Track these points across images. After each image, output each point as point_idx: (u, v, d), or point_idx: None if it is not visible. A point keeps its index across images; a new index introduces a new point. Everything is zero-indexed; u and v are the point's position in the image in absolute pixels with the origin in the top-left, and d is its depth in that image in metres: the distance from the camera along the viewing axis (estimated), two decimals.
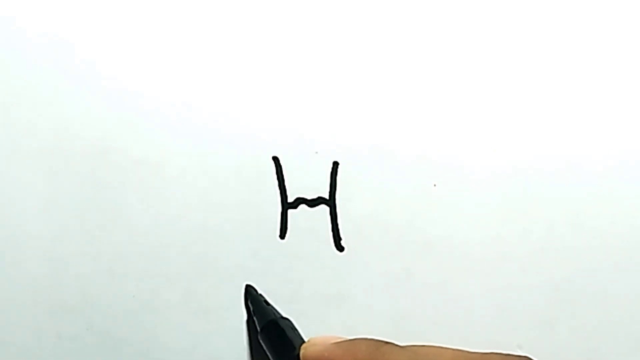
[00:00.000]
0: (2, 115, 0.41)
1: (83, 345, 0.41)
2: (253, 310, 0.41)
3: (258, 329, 0.40)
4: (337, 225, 0.42)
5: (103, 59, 0.41)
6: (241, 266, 0.42)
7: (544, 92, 0.43)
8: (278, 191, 0.42)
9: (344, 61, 0.42)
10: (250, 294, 0.41)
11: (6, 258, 0.41)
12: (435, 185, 0.43)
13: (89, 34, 0.41)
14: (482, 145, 0.43)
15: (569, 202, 0.43)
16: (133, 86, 0.41)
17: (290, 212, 0.42)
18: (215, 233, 0.41)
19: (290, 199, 0.42)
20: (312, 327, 0.40)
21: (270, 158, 0.42)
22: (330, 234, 0.42)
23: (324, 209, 0.42)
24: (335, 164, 0.42)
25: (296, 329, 0.39)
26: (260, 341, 0.39)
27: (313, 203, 0.42)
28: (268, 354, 0.39)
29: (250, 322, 0.41)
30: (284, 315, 0.40)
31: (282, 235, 0.42)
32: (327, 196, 0.42)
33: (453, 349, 0.34)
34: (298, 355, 0.37)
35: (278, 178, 0.42)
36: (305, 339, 0.38)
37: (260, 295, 0.41)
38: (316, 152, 0.42)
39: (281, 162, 0.42)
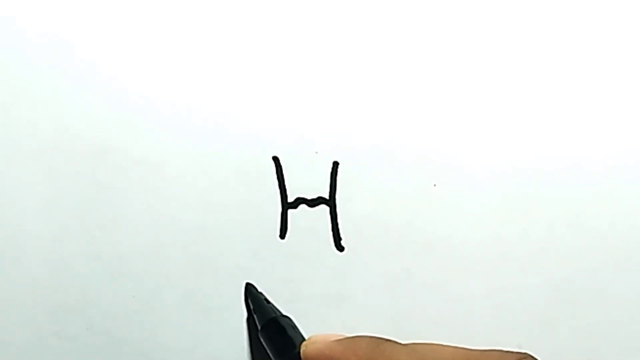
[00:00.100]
0: (2, 115, 0.41)
1: (83, 345, 0.41)
2: (253, 309, 0.41)
3: (258, 327, 0.40)
4: (337, 225, 0.42)
5: (103, 59, 0.41)
6: (241, 266, 0.42)
7: (544, 92, 0.43)
8: (278, 191, 0.42)
9: (344, 61, 0.42)
10: (251, 292, 0.41)
11: (6, 258, 0.41)
12: (435, 185, 0.43)
13: (89, 34, 0.41)
14: (482, 145, 0.43)
15: (569, 202, 0.43)
16: (133, 86, 0.41)
17: (290, 212, 0.42)
18: (215, 233, 0.41)
19: (290, 199, 0.42)
20: (312, 327, 0.40)
21: (270, 158, 0.42)
22: (330, 234, 0.42)
23: (324, 209, 0.42)
24: (335, 164, 0.42)
25: (296, 327, 0.39)
26: (261, 339, 0.39)
27: (313, 203, 0.42)
28: (268, 352, 0.39)
29: (250, 321, 0.41)
30: (284, 313, 0.40)
31: (282, 235, 0.42)
32: (327, 196, 0.42)
33: (453, 346, 0.34)
34: (298, 353, 0.37)
35: (278, 178, 0.42)
36: (306, 337, 0.38)
37: (261, 293, 0.41)
38: (316, 152, 0.42)
39: (281, 162, 0.42)
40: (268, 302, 0.41)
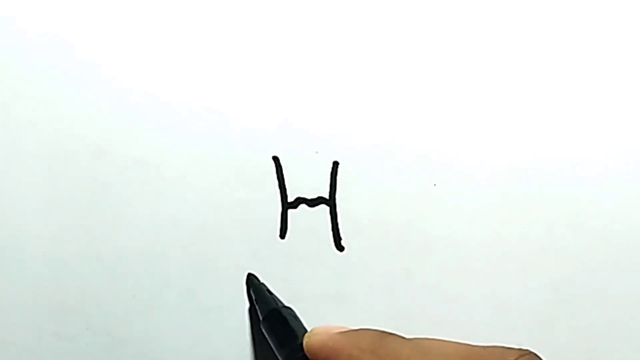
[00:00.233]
0: (2, 115, 0.41)
1: (83, 345, 0.41)
2: (255, 299, 0.41)
3: (260, 318, 0.40)
4: (337, 225, 0.42)
5: (103, 59, 0.41)
6: (241, 266, 0.42)
7: (543, 92, 0.43)
8: (278, 191, 0.42)
9: (344, 61, 0.42)
10: (253, 282, 0.41)
11: (6, 258, 0.41)
12: (435, 185, 0.43)
13: (89, 34, 0.41)
14: (482, 145, 0.43)
15: (569, 202, 0.43)
16: (133, 86, 0.41)
17: (290, 212, 0.42)
18: (215, 233, 0.41)
19: (290, 199, 0.42)
20: (312, 326, 0.40)
21: (270, 158, 0.42)
22: (330, 233, 0.42)
23: (324, 208, 0.42)
24: (335, 164, 0.42)
25: (298, 318, 0.39)
26: (263, 330, 0.39)
27: (313, 203, 0.42)
28: (270, 343, 0.39)
29: (252, 311, 0.41)
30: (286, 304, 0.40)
31: (282, 235, 0.42)
32: (327, 196, 0.42)
33: (456, 342, 0.34)
34: (301, 344, 0.37)
35: (278, 178, 0.42)
36: (308, 329, 0.38)
37: (263, 284, 0.41)
38: (316, 152, 0.42)
39: (281, 161, 0.42)
40: (270, 293, 0.41)
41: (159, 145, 0.41)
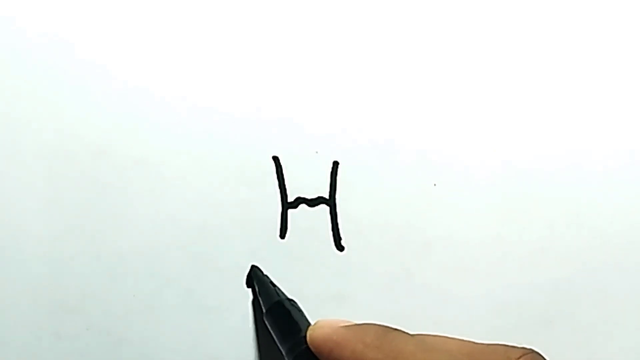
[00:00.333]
0: (2, 115, 0.41)
1: (83, 345, 0.41)
2: (258, 291, 0.41)
3: (263, 310, 0.40)
4: (337, 225, 0.42)
5: (103, 59, 0.41)
6: (241, 266, 0.42)
7: (543, 92, 0.43)
8: (278, 191, 0.42)
9: (344, 61, 0.42)
10: (256, 274, 0.41)
11: (6, 258, 0.41)
12: (435, 185, 0.43)
13: (89, 34, 0.41)
14: (482, 145, 0.43)
15: (569, 202, 0.43)
16: (133, 86, 0.41)
17: (290, 211, 0.42)
18: (215, 233, 0.41)
19: (290, 199, 0.42)
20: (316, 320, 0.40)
21: (270, 158, 0.42)
22: (330, 233, 0.42)
23: (324, 208, 0.42)
24: (336, 164, 0.42)
25: (302, 311, 0.39)
26: (266, 322, 0.39)
27: (313, 203, 0.42)
28: (273, 335, 0.39)
29: (255, 303, 0.41)
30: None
31: (282, 235, 0.42)
32: (327, 196, 0.42)
33: (459, 339, 0.34)
34: (304, 337, 0.37)
35: (278, 178, 0.42)
36: (312, 322, 0.38)
37: (266, 276, 0.41)
38: (316, 152, 0.42)
39: (281, 161, 0.42)
40: (273, 285, 0.41)
41: (159, 145, 0.41)
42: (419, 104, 0.42)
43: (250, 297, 0.42)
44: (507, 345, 0.34)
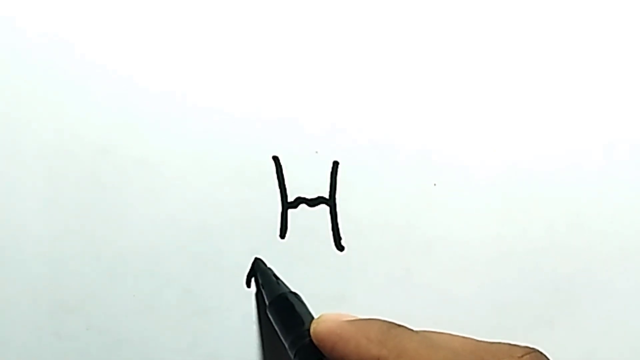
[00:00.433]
0: (2, 115, 0.41)
1: (83, 345, 0.41)
2: (262, 284, 0.41)
3: (266, 302, 0.40)
4: (337, 224, 0.42)
5: (103, 59, 0.41)
6: (241, 266, 0.42)
7: (543, 92, 0.43)
8: (278, 191, 0.42)
9: (344, 61, 0.42)
10: (259, 267, 0.41)
11: (6, 258, 0.41)
12: (435, 185, 0.43)
13: (89, 34, 0.41)
14: (482, 145, 0.43)
15: (569, 202, 0.43)
16: (133, 86, 0.41)
17: (290, 211, 0.42)
18: (215, 233, 0.41)
19: (290, 199, 0.42)
20: (319, 314, 0.39)
21: (270, 158, 0.42)
22: (330, 233, 0.42)
23: (324, 208, 0.42)
24: (336, 164, 0.42)
25: (305, 304, 0.39)
26: (269, 315, 0.39)
27: (313, 203, 0.42)
28: (276, 328, 0.39)
29: (259, 296, 0.41)
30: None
31: (282, 235, 0.42)
32: (327, 196, 0.42)
33: (462, 336, 0.34)
34: (307, 330, 0.37)
35: (278, 178, 0.42)
36: (315, 315, 0.38)
37: (269, 269, 0.41)
38: (316, 152, 0.42)
39: (281, 161, 0.42)
40: (277, 277, 0.41)
41: (159, 145, 0.41)
42: (419, 104, 0.42)
43: (250, 297, 0.42)
44: (511, 344, 0.34)
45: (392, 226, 0.42)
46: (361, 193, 0.42)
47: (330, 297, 0.42)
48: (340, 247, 0.42)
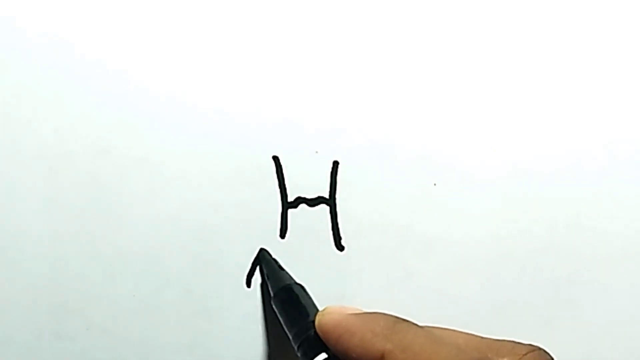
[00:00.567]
0: (2, 115, 0.41)
1: (83, 345, 0.41)
2: (267, 275, 0.41)
3: (271, 294, 0.40)
4: (337, 224, 0.42)
5: (103, 59, 0.41)
6: (241, 266, 0.42)
7: (543, 93, 0.43)
8: (278, 191, 0.42)
9: (344, 61, 0.42)
10: (264, 257, 0.41)
11: (6, 258, 0.41)
12: (435, 185, 0.43)
13: (89, 34, 0.41)
14: (482, 145, 0.43)
15: (569, 202, 0.43)
16: (133, 86, 0.41)
17: (290, 211, 0.42)
18: (215, 233, 0.41)
19: (290, 199, 0.42)
20: (324, 306, 0.39)
21: (270, 157, 0.42)
22: (330, 233, 0.42)
23: (324, 208, 0.42)
24: (336, 164, 0.42)
25: (310, 296, 0.39)
26: (273, 306, 0.39)
27: (313, 202, 0.42)
28: (280, 319, 0.39)
29: (264, 287, 0.41)
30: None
31: (282, 235, 0.42)
32: (327, 196, 0.42)
33: (467, 333, 0.35)
34: (312, 322, 0.37)
35: (278, 177, 0.42)
36: (319, 308, 0.38)
37: (275, 259, 0.41)
38: (316, 152, 0.42)
39: (281, 161, 0.42)
40: (282, 269, 0.41)
41: (159, 145, 0.41)
42: (419, 104, 0.42)
43: (250, 297, 0.42)
44: (515, 342, 0.34)
45: (392, 226, 0.42)
46: (361, 193, 0.42)
47: (330, 297, 0.42)
48: (340, 247, 0.42)
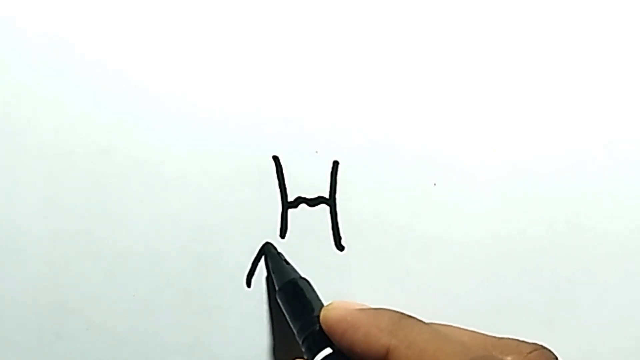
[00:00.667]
0: (2, 115, 0.41)
1: (83, 345, 0.41)
2: (272, 269, 0.40)
3: (276, 288, 0.39)
4: (337, 224, 0.42)
5: (103, 59, 0.41)
6: (241, 266, 0.42)
7: (543, 93, 0.43)
8: (278, 190, 0.42)
9: (344, 60, 0.42)
10: (269, 251, 0.41)
11: (6, 258, 0.41)
12: (435, 184, 0.43)
13: (89, 34, 0.41)
14: (482, 145, 0.43)
15: (569, 202, 0.43)
16: (133, 86, 0.41)
17: (290, 211, 0.42)
18: (215, 233, 0.41)
19: (290, 198, 0.42)
20: (330, 301, 0.39)
21: (271, 157, 0.42)
22: (331, 233, 0.42)
23: (324, 208, 0.42)
24: (336, 163, 0.42)
25: (315, 291, 0.39)
26: (278, 300, 0.39)
27: (313, 202, 0.42)
28: (285, 313, 0.38)
29: (269, 281, 0.41)
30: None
31: (282, 234, 0.42)
32: (327, 195, 0.42)
33: (472, 331, 0.35)
34: (317, 316, 0.37)
35: (278, 177, 0.42)
36: (324, 302, 0.38)
37: (280, 253, 0.41)
38: (316, 152, 0.42)
39: (281, 161, 0.42)
40: (287, 263, 0.41)
41: (159, 145, 0.41)
42: (419, 104, 0.42)
43: (251, 297, 0.42)
44: (519, 340, 0.34)
45: (392, 226, 0.42)
46: (361, 193, 0.42)
47: (330, 297, 0.41)
48: (340, 247, 0.42)
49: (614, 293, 0.43)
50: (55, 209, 0.41)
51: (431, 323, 0.35)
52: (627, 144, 0.44)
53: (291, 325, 0.38)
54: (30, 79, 0.41)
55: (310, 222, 0.42)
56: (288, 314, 0.38)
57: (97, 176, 0.41)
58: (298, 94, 0.42)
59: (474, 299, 0.43)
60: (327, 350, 0.36)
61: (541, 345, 0.34)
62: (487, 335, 0.35)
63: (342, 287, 0.42)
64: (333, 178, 0.42)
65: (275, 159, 0.42)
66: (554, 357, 0.34)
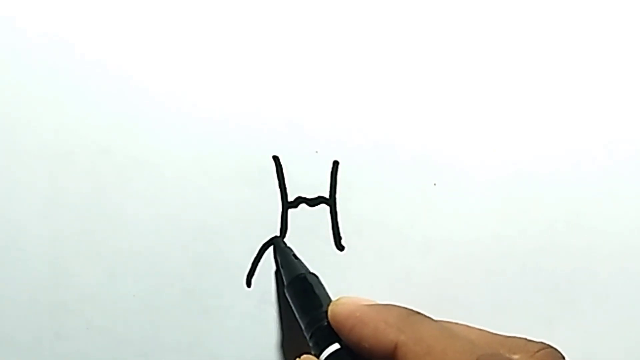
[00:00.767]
0: (2, 115, 0.41)
1: (83, 345, 0.41)
2: (281, 263, 0.40)
3: (285, 283, 0.39)
4: (337, 224, 0.42)
5: (103, 59, 0.41)
6: (241, 266, 0.42)
7: (543, 93, 0.43)
8: (278, 190, 0.42)
9: (344, 60, 0.42)
10: (278, 246, 0.41)
11: (6, 258, 0.41)
12: (435, 185, 0.43)
13: (89, 34, 0.41)
14: (482, 145, 0.43)
15: (569, 202, 0.43)
16: (133, 86, 0.41)
17: (290, 211, 0.42)
18: (215, 233, 0.41)
19: (290, 198, 0.42)
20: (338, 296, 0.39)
21: (271, 157, 0.42)
22: (331, 233, 0.42)
23: (324, 208, 0.42)
24: (336, 163, 0.42)
25: (323, 286, 0.39)
26: (286, 295, 0.39)
27: (313, 202, 0.42)
28: (293, 308, 0.38)
29: (278, 275, 0.41)
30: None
31: (282, 234, 0.42)
32: (327, 195, 0.42)
33: (479, 329, 0.35)
34: (325, 312, 0.37)
35: (278, 177, 0.42)
36: (332, 298, 0.38)
37: (289, 248, 0.41)
38: (316, 152, 0.42)
39: (281, 161, 0.42)
40: (296, 257, 0.41)
41: (159, 145, 0.41)
42: (419, 104, 0.42)
43: (251, 297, 0.42)
44: (527, 339, 0.34)
45: (392, 226, 0.42)
46: (361, 193, 0.42)
47: (331, 297, 0.42)
48: (340, 247, 0.42)
49: (614, 293, 0.43)
50: (55, 209, 0.41)
51: (439, 320, 0.35)
52: (627, 144, 0.44)
53: (299, 320, 0.38)
54: (30, 79, 0.41)
55: (310, 222, 0.42)
56: (296, 308, 0.38)
57: (97, 176, 0.41)
58: (298, 94, 0.42)
59: (474, 298, 0.43)
60: (335, 346, 0.36)
61: (548, 345, 0.34)
62: (494, 334, 0.35)
63: (342, 287, 0.42)
64: (333, 178, 0.42)
65: (275, 159, 0.42)
66: (561, 356, 0.34)
